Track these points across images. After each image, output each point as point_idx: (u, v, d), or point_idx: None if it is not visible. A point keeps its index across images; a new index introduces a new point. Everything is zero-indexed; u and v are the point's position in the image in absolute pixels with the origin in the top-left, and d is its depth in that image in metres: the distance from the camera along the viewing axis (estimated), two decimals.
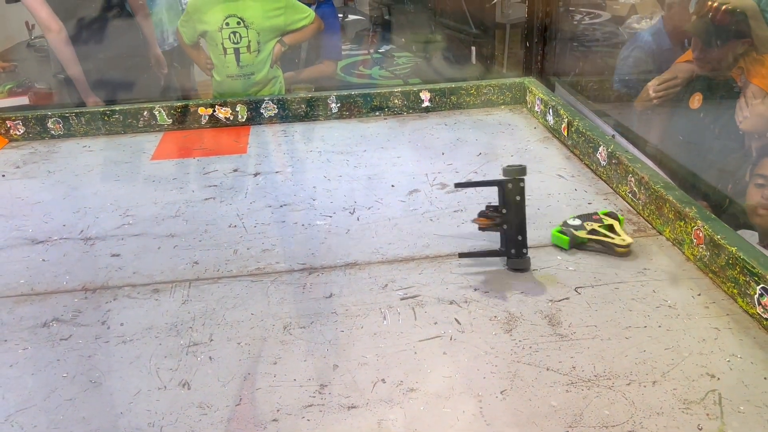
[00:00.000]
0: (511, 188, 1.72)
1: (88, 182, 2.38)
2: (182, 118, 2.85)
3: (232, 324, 1.58)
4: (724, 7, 2.34)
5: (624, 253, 1.78)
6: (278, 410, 1.31)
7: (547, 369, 1.40)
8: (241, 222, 2.07)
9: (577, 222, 1.86)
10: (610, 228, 1.84)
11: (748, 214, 2.15)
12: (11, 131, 2.76)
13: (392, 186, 2.28)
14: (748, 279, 1.52)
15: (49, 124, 2.79)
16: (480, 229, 1.78)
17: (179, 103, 2.86)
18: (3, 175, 2.43)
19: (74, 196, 2.27)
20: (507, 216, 1.73)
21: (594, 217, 1.88)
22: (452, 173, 2.35)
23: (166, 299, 1.68)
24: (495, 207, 1.77)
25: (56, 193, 2.29)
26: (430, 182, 2.29)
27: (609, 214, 1.89)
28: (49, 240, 1.98)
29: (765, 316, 1.48)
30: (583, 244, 1.83)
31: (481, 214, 1.77)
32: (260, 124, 2.90)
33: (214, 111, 2.87)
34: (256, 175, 2.40)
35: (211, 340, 1.52)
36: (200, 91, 3.32)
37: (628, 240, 1.79)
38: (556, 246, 1.86)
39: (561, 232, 1.85)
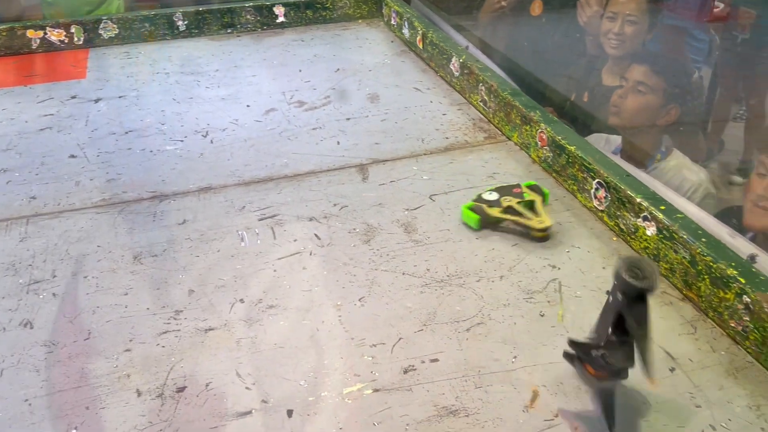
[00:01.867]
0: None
1: None
2: (8, 42, 2.58)
3: (76, 258, 1.50)
4: None
5: (541, 237, 1.53)
6: (131, 340, 1.27)
7: (403, 274, 1.44)
8: (82, 152, 1.93)
9: (494, 196, 1.59)
10: (530, 206, 1.58)
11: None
12: None
13: (248, 106, 2.20)
14: (585, 175, 1.63)
15: None
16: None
17: (3, 26, 2.57)
18: None
19: None
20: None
21: (514, 190, 1.61)
22: (310, 90, 2.31)
23: (0, 238, 1.56)
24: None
25: None
26: (288, 100, 2.24)
27: (533, 188, 1.63)
28: None
29: (600, 208, 1.59)
30: (497, 224, 1.58)
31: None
32: (100, 46, 2.68)
33: (45, 33, 2.62)
34: (97, 101, 2.24)
35: (54, 276, 1.44)
36: (28, 13, 3.00)
37: (547, 222, 1.52)
38: (465, 224, 1.60)
39: (471, 209, 1.58)
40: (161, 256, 1.51)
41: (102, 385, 1.17)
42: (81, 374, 1.20)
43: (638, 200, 1.46)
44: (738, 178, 2.84)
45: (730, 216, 1.80)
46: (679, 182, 2.11)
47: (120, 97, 2.27)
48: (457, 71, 2.26)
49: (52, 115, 2.14)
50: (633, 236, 1.49)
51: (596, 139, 2.31)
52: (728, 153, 3.30)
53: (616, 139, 2.32)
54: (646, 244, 1.45)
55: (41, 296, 1.38)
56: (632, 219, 1.48)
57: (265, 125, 2.09)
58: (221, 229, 1.60)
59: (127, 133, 2.04)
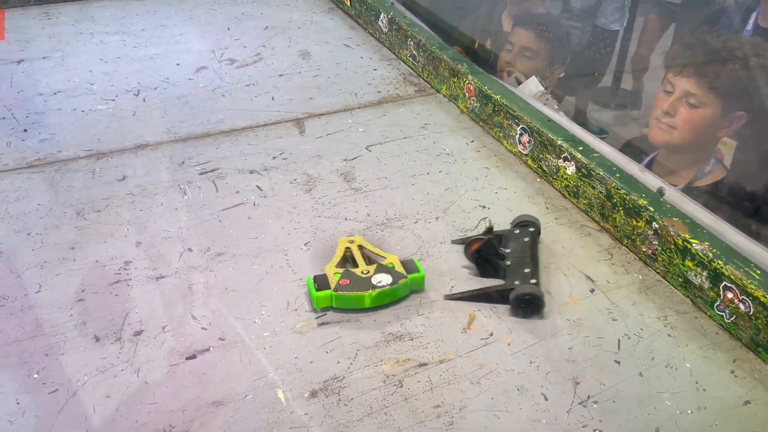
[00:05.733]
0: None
1: None
2: None
3: (17, 216, 1.50)
4: None
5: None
6: (83, 290, 1.31)
7: (345, 219, 1.52)
8: (10, 113, 1.90)
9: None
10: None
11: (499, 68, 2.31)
12: None
13: (177, 65, 2.20)
14: (510, 122, 1.75)
15: None
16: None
17: None
18: None
19: None
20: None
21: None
22: (240, 48, 2.32)
23: None
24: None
25: None
26: (218, 58, 2.25)
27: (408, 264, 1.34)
28: None
29: (524, 152, 1.72)
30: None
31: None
32: (16, 6, 2.59)
33: None
34: (19, 62, 2.18)
35: None
36: None
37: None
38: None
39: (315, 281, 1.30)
40: (104, 211, 1.53)
41: (58, 333, 1.21)
42: (36, 324, 1.23)
43: (559, 142, 1.59)
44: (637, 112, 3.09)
45: (631, 147, 1.96)
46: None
47: (44, 58, 2.22)
48: (386, 27, 2.32)
49: None
50: (555, 176, 1.62)
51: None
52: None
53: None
54: (567, 183, 1.58)
55: None
56: (554, 160, 1.61)
57: (197, 83, 2.10)
58: (162, 183, 1.63)
59: (55, 93, 2.01)
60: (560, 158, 1.58)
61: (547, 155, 1.63)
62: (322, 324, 1.24)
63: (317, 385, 1.12)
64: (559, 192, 1.62)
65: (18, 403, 1.08)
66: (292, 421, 1.06)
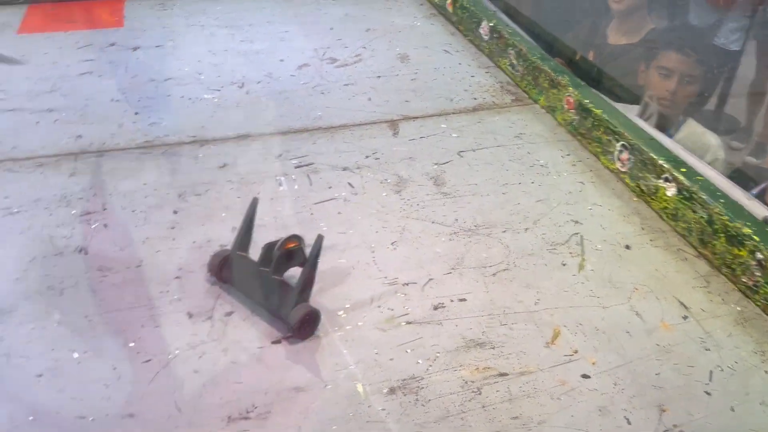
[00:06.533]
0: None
1: None
2: None
3: (124, 194, 1.59)
4: None
5: None
6: (180, 269, 1.37)
7: (433, 222, 1.53)
8: (123, 96, 2.01)
9: None
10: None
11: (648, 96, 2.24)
12: None
13: (281, 60, 2.27)
14: (610, 138, 1.70)
15: None
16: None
17: None
18: None
19: None
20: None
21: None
22: (342, 48, 2.37)
23: (51, 173, 1.65)
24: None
25: None
26: (320, 57, 2.30)
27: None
28: None
29: (623, 170, 1.67)
30: None
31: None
32: None
33: None
34: (135, 49, 2.31)
35: (105, 209, 1.53)
36: None
37: None
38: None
39: None
40: (204, 195, 1.60)
41: (155, 307, 1.27)
42: (135, 297, 1.30)
43: (660, 162, 1.54)
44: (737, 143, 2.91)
45: (743, 177, 1.87)
46: (693, 146, 2.14)
47: (157, 46, 2.34)
48: (487, 35, 2.32)
49: (92, 60, 2.22)
50: (653, 197, 1.57)
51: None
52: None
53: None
54: (666, 205, 1.53)
55: (93, 226, 1.48)
56: (654, 180, 1.56)
57: (298, 79, 2.16)
58: (260, 173, 1.69)
59: (166, 80, 2.11)
60: (661, 179, 1.53)
61: (647, 174, 1.58)
62: (405, 323, 1.25)
63: (396, 382, 1.13)
64: (657, 213, 1.57)
65: (114, 369, 1.14)
66: (369, 415, 1.08)
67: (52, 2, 2.65)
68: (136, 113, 1.92)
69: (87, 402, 1.09)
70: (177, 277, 1.35)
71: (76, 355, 1.17)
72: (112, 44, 2.34)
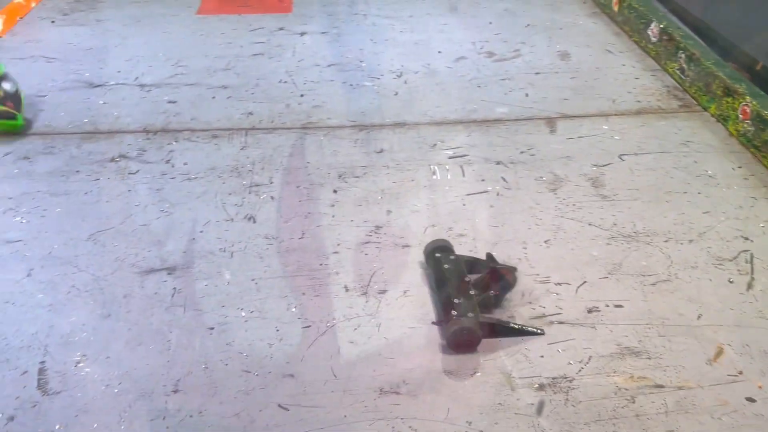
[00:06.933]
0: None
1: (137, 32, 2.41)
2: None
3: (289, 170, 1.68)
4: None
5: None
6: (338, 244, 1.43)
7: (589, 224, 1.50)
8: (290, 78, 2.12)
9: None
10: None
11: None
12: None
13: (439, 52, 2.30)
14: None
15: None
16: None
17: None
18: (53, 21, 2.46)
19: (125, 45, 2.31)
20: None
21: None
22: (500, 43, 2.36)
23: (225, 144, 1.77)
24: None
25: (107, 41, 2.34)
26: (478, 50, 2.31)
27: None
28: (106, 84, 2.06)
29: None
30: None
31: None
32: None
33: None
34: (302, 34, 2.42)
35: (271, 182, 1.63)
36: None
37: None
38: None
39: None
40: (362, 177, 1.66)
41: (315, 278, 1.34)
42: (297, 266, 1.37)
43: None
44: None
45: None
46: None
47: (322, 32, 2.44)
48: (655, 37, 2.22)
49: (263, 43, 2.35)
50: None
51: None
52: None
53: None
54: None
55: (261, 197, 1.58)
56: None
57: (455, 71, 2.18)
58: (415, 161, 1.72)
59: (329, 66, 2.20)
60: None
61: None
62: (557, 323, 1.24)
63: (546, 380, 1.13)
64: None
65: (277, 330, 1.22)
66: (518, 407, 1.08)
67: None
68: (302, 95, 2.02)
69: (252, 358, 1.17)
70: (335, 252, 1.41)
71: (243, 313, 1.26)
72: (281, 28, 2.46)
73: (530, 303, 1.29)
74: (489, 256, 1.34)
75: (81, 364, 1.16)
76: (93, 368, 1.15)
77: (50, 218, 1.50)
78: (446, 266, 1.29)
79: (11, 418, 1.07)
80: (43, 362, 1.16)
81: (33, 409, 1.09)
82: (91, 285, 1.32)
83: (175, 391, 1.11)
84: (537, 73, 2.16)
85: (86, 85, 2.05)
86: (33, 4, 2.60)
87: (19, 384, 1.13)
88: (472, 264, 1.32)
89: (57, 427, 1.06)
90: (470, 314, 1.18)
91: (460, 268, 1.29)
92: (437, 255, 1.33)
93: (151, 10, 2.61)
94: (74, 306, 1.27)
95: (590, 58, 2.26)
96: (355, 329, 1.22)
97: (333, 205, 1.55)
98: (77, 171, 1.65)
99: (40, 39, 2.34)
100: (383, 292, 1.31)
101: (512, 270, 1.30)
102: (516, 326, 1.21)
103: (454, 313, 1.18)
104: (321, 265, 1.38)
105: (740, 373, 1.14)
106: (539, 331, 1.22)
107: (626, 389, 1.11)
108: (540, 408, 1.08)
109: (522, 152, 1.76)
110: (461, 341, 1.17)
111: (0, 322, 1.24)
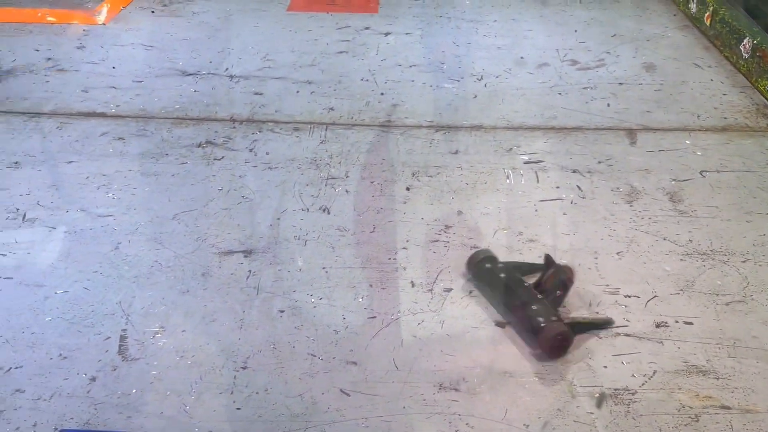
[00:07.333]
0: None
1: (229, 25, 2.51)
2: None
3: (365, 165, 1.72)
4: None
5: None
6: (407, 240, 1.46)
7: (664, 239, 1.47)
8: (372, 77, 2.16)
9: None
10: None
11: None
12: None
13: (521, 57, 2.29)
14: None
15: None
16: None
17: None
18: (152, 12, 2.59)
19: (217, 36, 2.41)
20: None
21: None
22: (584, 51, 2.33)
23: (305, 137, 1.83)
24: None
25: (201, 33, 2.44)
26: (561, 58, 2.29)
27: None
28: (198, 73, 2.15)
29: None
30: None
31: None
32: None
33: None
34: (387, 34, 2.46)
35: (347, 177, 1.67)
36: None
37: None
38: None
39: None
40: (435, 177, 1.67)
41: (383, 271, 1.37)
42: (366, 258, 1.41)
43: None
44: None
45: None
46: None
47: (406, 33, 2.47)
48: (747, 53, 2.14)
49: (348, 41, 2.41)
50: None
51: None
52: None
53: None
54: None
55: (336, 190, 1.62)
56: None
57: (536, 78, 2.17)
58: (489, 164, 1.73)
59: (411, 66, 2.23)
60: None
61: None
62: (623, 335, 1.23)
63: (607, 390, 1.12)
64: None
65: (344, 318, 1.26)
66: (577, 415, 1.07)
67: None
68: (382, 94, 2.06)
69: (318, 343, 1.21)
70: (404, 248, 1.44)
71: (312, 299, 1.30)
72: (367, 28, 2.51)
73: (597, 313, 1.27)
74: (547, 257, 1.34)
75: (158, 335, 1.23)
76: (169, 340, 1.22)
77: (139, 197, 1.59)
78: (502, 275, 1.30)
79: (93, 379, 1.15)
80: (124, 330, 1.24)
81: (113, 372, 1.16)
82: (172, 262, 1.39)
83: (244, 368, 1.16)
84: (620, 84, 2.12)
85: (180, 73, 2.16)
86: None
87: (102, 348, 1.21)
88: (521, 268, 1.34)
89: (133, 391, 1.13)
90: (553, 318, 1.18)
91: (515, 274, 1.30)
92: (488, 266, 1.33)
93: (243, 5, 2.71)
94: (156, 280, 1.35)
95: (677, 71, 2.20)
96: (419, 324, 1.25)
97: (405, 203, 1.58)
98: (166, 154, 1.75)
99: (140, 28, 2.47)
100: (448, 290, 1.33)
101: (570, 269, 1.30)
102: (587, 320, 1.23)
103: (540, 319, 1.18)
104: (389, 259, 1.40)
105: None
106: (609, 318, 1.24)
107: (690, 407, 1.09)
108: (600, 403, 1.07)
109: (600, 162, 1.74)
110: (556, 345, 1.18)
111: (88, 290, 1.33)
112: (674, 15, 2.65)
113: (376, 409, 1.09)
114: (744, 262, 1.40)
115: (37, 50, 2.28)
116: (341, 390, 1.12)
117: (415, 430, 1.06)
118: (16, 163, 1.70)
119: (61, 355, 1.18)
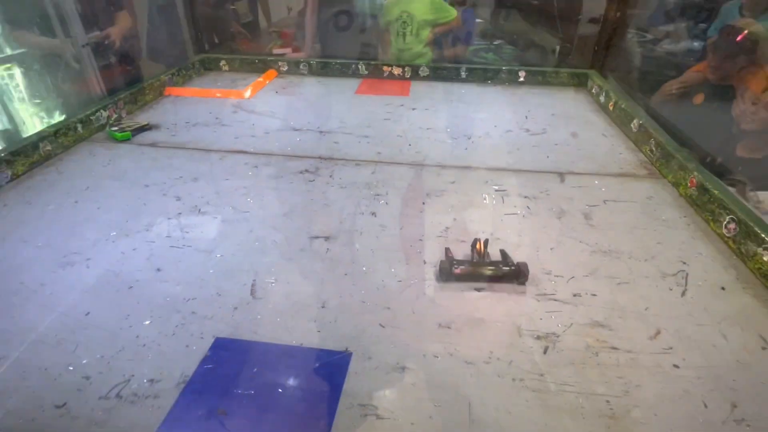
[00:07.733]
0: None
1: (320, 101, 2.53)
2: (374, 71, 2.90)
3: (398, 188, 1.71)
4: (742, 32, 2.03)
5: None
6: (423, 235, 1.45)
7: (580, 242, 1.43)
8: (404, 135, 2.16)
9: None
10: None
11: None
12: (280, 68, 2.94)
13: (495, 126, 2.26)
14: (721, 211, 1.45)
15: (300, 67, 2.94)
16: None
17: (374, 62, 2.90)
18: (276, 92, 2.63)
19: (313, 107, 2.43)
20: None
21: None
22: (534, 123, 2.29)
23: (362, 170, 1.83)
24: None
25: (303, 104, 2.47)
26: (519, 127, 2.25)
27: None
28: (301, 129, 2.17)
29: (728, 235, 1.41)
30: None
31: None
32: (417, 80, 2.90)
33: (392, 69, 2.90)
34: (413, 109, 2.45)
35: (387, 194, 1.67)
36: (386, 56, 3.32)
37: None
38: None
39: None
40: (440, 197, 1.66)
41: (407, 253, 1.36)
42: (398, 245, 1.40)
43: (763, 236, 1.28)
44: None
45: None
46: None
47: (426, 109, 2.46)
48: (636, 128, 2.08)
49: (390, 112, 2.40)
50: (750, 258, 1.31)
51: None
52: None
53: None
54: (761, 266, 1.27)
55: (380, 202, 1.62)
56: (754, 247, 1.30)
57: (505, 139, 2.13)
58: (474, 190, 1.71)
59: (427, 129, 2.22)
60: (761, 247, 1.27)
61: (749, 242, 1.32)
62: (553, 300, 1.20)
63: (542, 333, 1.10)
64: (752, 271, 1.31)
65: (382, 281, 1.26)
66: (522, 347, 1.06)
67: (374, 78, 2.90)
68: (410, 145, 2.05)
69: (366, 294, 1.21)
70: (420, 240, 1.43)
71: (364, 269, 1.30)
72: (402, 105, 2.50)
73: (536, 286, 1.25)
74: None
75: (273, 284, 1.25)
76: (279, 287, 1.24)
77: (265, 201, 1.61)
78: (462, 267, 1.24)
79: (235, 308, 1.17)
80: (254, 281, 1.26)
81: (247, 306, 1.18)
82: (282, 241, 1.41)
83: (323, 307, 1.17)
84: (556, 144, 2.08)
85: (290, 129, 2.18)
86: (267, 82, 2.78)
87: (241, 291, 1.23)
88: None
89: (258, 317, 1.15)
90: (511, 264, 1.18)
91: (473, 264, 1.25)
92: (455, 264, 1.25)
93: (328, 89, 2.72)
94: (273, 252, 1.37)
95: (591, 138, 2.15)
96: (428, 287, 1.24)
97: (422, 211, 1.57)
98: (282, 176, 1.77)
99: (269, 101, 2.50)
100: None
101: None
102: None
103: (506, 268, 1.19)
104: (411, 246, 1.40)
105: (671, 348, 1.06)
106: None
107: (593, 347, 1.06)
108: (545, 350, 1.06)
109: (541, 192, 1.71)
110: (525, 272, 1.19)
111: (234, 255, 1.36)
112: (590, 103, 2.59)
113: (400, 336, 1.09)
114: (630, 258, 1.36)
115: (210, 113, 2.34)
116: (380, 324, 1.13)
117: (424, 350, 1.06)
118: (196, 179, 1.74)
119: (218, 293, 1.21)
